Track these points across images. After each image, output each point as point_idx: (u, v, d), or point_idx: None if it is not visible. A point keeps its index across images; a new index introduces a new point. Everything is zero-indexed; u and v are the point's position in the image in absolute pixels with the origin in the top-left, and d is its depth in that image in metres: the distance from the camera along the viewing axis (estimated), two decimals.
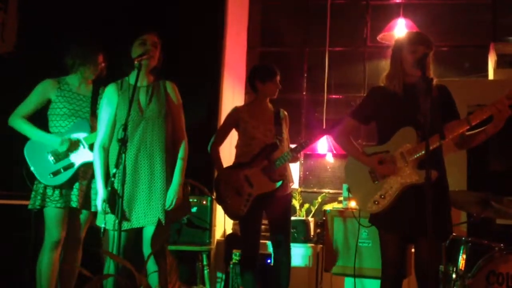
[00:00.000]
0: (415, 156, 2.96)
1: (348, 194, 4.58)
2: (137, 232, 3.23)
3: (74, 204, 3.52)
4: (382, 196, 2.99)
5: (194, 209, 4.69)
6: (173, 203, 3.19)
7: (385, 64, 3.25)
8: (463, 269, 3.58)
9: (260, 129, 4.01)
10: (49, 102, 3.65)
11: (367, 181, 3.07)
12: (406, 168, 2.98)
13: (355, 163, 3.16)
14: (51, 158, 3.55)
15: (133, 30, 3.39)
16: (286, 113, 4.18)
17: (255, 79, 4.07)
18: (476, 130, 3.05)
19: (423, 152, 2.87)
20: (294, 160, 4.06)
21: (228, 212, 4.04)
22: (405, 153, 2.99)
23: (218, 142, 4.14)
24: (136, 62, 3.20)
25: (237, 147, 4.14)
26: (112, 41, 3.82)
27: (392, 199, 2.98)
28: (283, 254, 3.99)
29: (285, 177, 3.99)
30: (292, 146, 4.09)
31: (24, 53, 5.27)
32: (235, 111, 4.13)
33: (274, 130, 4.01)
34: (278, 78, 4.07)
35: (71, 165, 3.55)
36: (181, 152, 3.30)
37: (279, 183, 3.92)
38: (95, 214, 3.63)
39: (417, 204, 2.90)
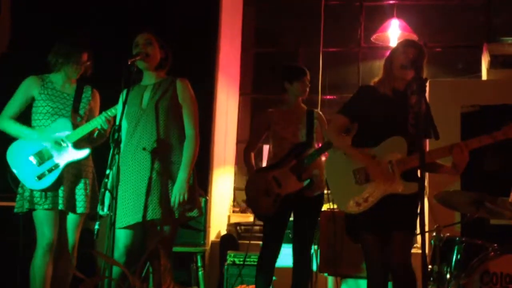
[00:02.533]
0: (404, 168, 2.96)
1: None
2: (145, 232, 3.21)
3: (61, 206, 3.44)
4: (365, 199, 2.99)
5: None
6: (176, 200, 3.14)
7: (379, 65, 3.26)
8: (457, 269, 3.59)
9: (290, 130, 4.00)
10: (33, 99, 3.57)
11: (349, 180, 3.04)
12: (392, 177, 2.97)
13: (337, 160, 3.14)
14: (34, 161, 3.47)
15: (127, 33, 3.37)
16: (320, 113, 4.15)
17: (283, 79, 4.07)
18: (440, 163, 3.10)
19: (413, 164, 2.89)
20: None
21: (256, 213, 4.06)
22: (394, 162, 2.98)
23: (251, 146, 4.15)
24: (129, 64, 3.18)
25: (269, 149, 4.14)
26: (106, 43, 3.81)
27: (372, 204, 2.98)
28: (302, 257, 3.95)
29: (316, 177, 3.93)
30: None
31: (17, 54, 5.26)
32: (265, 113, 4.13)
33: (304, 129, 3.99)
34: (306, 77, 4.06)
35: (56, 166, 3.47)
36: (185, 149, 3.23)
37: (306, 182, 3.87)
38: (87, 216, 3.60)
39: (394, 207, 2.95)
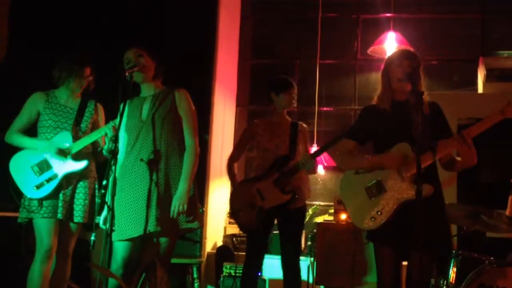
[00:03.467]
0: (412, 172, 2.94)
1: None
2: (142, 244, 3.20)
3: (59, 215, 3.50)
4: (379, 212, 2.97)
5: None
6: (175, 210, 3.13)
7: (376, 77, 3.26)
8: (453, 282, 3.58)
9: (274, 142, 4.01)
10: (38, 114, 3.68)
11: (362, 198, 3.03)
12: (402, 184, 2.97)
13: (350, 180, 3.13)
14: (34, 171, 3.56)
15: (123, 44, 3.38)
16: (305, 125, 4.17)
17: (269, 90, 4.10)
18: (456, 159, 3.08)
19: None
20: (311, 171, 4.05)
21: (240, 225, 4.04)
22: (401, 168, 2.99)
23: (234, 158, 4.16)
24: (127, 74, 3.19)
25: (254, 161, 4.15)
26: (106, 57, 3.83)
27: (389, 215, 2.96)
28: (291, 269, 3.94)
29: (299, 190, 3.95)
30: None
31: (14, 62, 5.27)
32: (251, 125, 4.16)
33: (288, 142, 4.01)
34: (293, 90, 4.08)
35: (54, 176, 3.55)
36: (185, 160, 3.24)
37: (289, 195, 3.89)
38: (84, 226, 3.61)
39: (412, 219, 2.88)
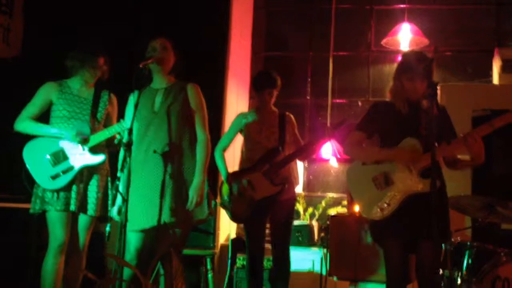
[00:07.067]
0: (421, 166, 2.97)
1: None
2: (156, 235, 3.23)
3: (72, 207, 3.48)
4: (387, 204, 3.02)
5: None
6: (194, 201, 3.18)
7: (390, 69, 3.26)
8: (468, 274, 3.57)
9: (264, 134, 4.04)
10: (51, 104, 3.63)
11: (370, 188, 3.08)
12: (411, 177, 3.00)
13: (357, 170, 3.18)
14: (50, 161, 3.52)
15: (140, 37, 3.39)
16: (292, 116, 4.19)
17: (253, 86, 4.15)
18: (460, 158, 3.11)
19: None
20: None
21: (232, 216, 4.06)
22: (409, 162, 3.00)
23: (223, 147, 4.16)
24: (141, 67, 3.20)
25: (241, 151, 4.16)
26: (120, 48, 3.84)
27: (396, 206, 3.01)
28: (282, 257, 3.99)
29: (288, 180, 3.99)
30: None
31: (29, 57, 5.31)
32: (240, 116, 4.17)
33: (277, 134, 4.03)
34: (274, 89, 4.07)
35: (70, 168, 3.52)
36: (199, 153, 3.30)
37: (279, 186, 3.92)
38: (98, 218, 3.61)
39: (418, 210, 2.94)
